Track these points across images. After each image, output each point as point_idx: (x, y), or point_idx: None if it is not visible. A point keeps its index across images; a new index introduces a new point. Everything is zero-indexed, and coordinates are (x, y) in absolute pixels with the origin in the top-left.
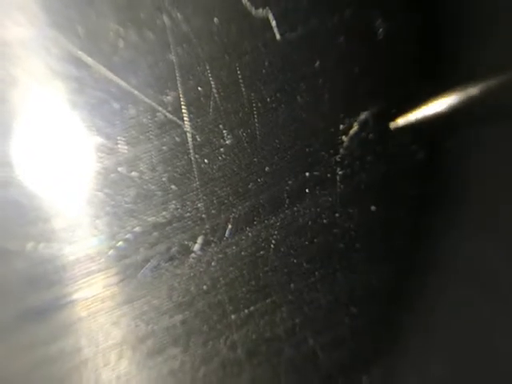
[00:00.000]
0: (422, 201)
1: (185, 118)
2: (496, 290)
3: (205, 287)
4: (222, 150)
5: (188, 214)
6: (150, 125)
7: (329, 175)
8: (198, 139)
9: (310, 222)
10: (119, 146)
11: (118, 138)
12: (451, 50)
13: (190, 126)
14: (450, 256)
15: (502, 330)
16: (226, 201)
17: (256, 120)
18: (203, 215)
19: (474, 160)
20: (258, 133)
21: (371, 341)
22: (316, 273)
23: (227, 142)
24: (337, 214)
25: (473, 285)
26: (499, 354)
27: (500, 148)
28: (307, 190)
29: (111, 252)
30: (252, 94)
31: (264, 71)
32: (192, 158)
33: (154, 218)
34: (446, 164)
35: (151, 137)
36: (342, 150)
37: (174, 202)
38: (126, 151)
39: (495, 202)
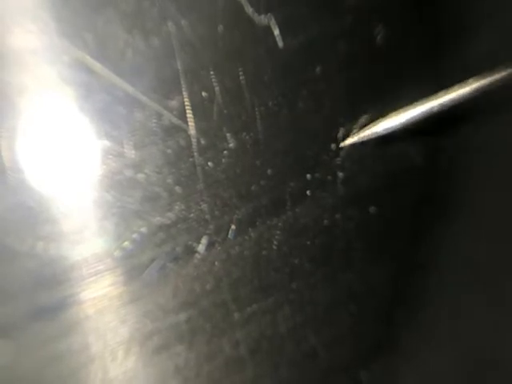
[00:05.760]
0: (421, 202)
1: (189, 122)
2: (496, 290)
3: (208, 286)
4: (225, 153)
5: (192, 215)
6: (156, 128)
7: (329, 177)
8: (202, 142)
9: (311, 223)
10: (126, 149)
11: (125, 141)
12: (450, 55)
13: (195, 129)
14: (449, 256)
15: (502, 330)
16: (229, 202)
17: (259, 124)
18: (207, 216)
19: (472, 162)
20: (260, 136)
21: (371, 339)
22: (317, 272)
23: (230, 145)
24: (337, 216)
25: (472, 285)
26: (498, 352)
27: (498, 149)
28: (308, 192)
29: (118, 252)
30: (255, 99)
31: (266, 76)
32: (196, 161)
33: (159, 219)
34: (445, 166)
35: (157, 140)
36: (342, 153)
37: (178, 203)
38: (132, 154)
39: (494, 203)
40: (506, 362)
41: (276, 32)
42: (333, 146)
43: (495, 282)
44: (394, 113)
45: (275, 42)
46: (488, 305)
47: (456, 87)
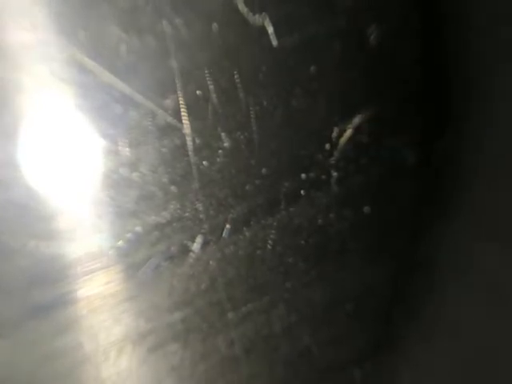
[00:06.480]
0: (417, 202)
1: (184, 121)
2: (496, 290)
3: (203, 286)
4: (220, 152)
5: (187, 215)
6: (151, 127)
7: (324, 177)
8: (197, 142)
9: (305, 223)
10: (120, 148)
11: (120, 140)
12: (447, 54)
13: (190, 128)
14: (449, 255)
15: (502, 329)
16: (224, 202)
17: (253, 123)
18: (202, 215)
19: (470, 161)
20: (255, 136)
21: (366, 338)
22: (311, 272)
23: (225, 144)
24: (331, 215)
25: (473, 284)
26: (497, 353)
27: (498, 148)
28: (303, 192)
29: (112, 251)
30: (250, 98)
31: (261, 76)
32: (191, 160)
33: (154, 218)
34: (442, 165)
35: (152, 139)
36: (336, 153)
37: (173, 202)
38: (127, 153)
39: (493, 202)
40: (507, 362)
41: (270, 31)
42: (327, 145)
43: (495, 282)
44: None
45: (270, 42)
46: (488, 304)
47: None
